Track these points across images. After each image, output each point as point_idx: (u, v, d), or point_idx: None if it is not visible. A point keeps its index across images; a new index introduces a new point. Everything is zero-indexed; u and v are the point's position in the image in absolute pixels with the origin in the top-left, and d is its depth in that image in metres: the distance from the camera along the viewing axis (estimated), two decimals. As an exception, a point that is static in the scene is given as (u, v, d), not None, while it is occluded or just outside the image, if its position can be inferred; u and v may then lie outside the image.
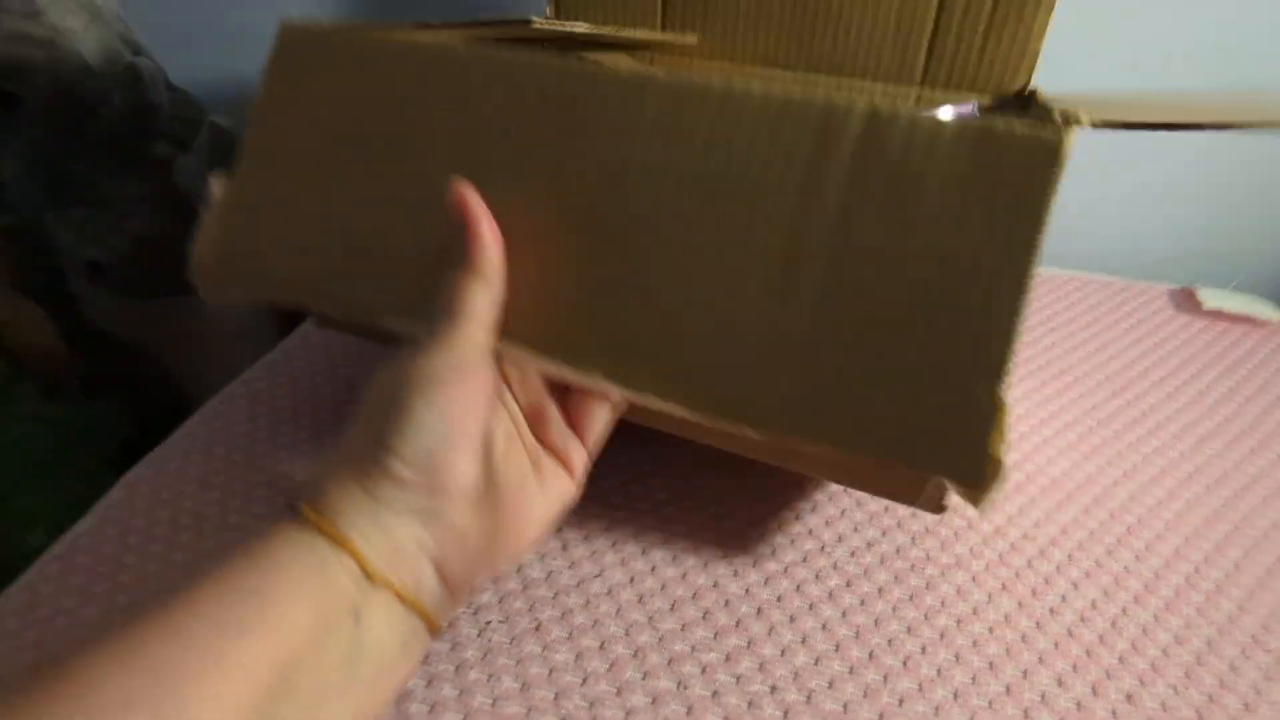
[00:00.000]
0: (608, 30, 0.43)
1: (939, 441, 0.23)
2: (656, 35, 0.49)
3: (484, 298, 0.27)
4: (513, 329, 0.27)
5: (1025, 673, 0.31)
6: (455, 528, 0.26)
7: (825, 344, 0.25)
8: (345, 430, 0.26)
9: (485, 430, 0.26)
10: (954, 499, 0.35)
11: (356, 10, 0.77)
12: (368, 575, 0.24)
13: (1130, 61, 0.63)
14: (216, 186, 0.32)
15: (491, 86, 0.30)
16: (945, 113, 0.43)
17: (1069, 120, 0.24)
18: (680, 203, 0.27)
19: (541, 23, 0.33)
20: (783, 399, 0.25)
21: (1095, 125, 0.25)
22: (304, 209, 0.31)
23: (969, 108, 0.44)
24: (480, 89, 0.30)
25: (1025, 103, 0.48)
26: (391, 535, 0.24)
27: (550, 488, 0.29)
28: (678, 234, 0.26)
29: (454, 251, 0.27)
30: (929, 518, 0.38)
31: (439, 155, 0.30)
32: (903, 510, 0.38)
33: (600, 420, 0.30)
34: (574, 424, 0.30)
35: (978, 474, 0.22)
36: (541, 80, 0.29)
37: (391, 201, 0.30)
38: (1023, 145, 0.23)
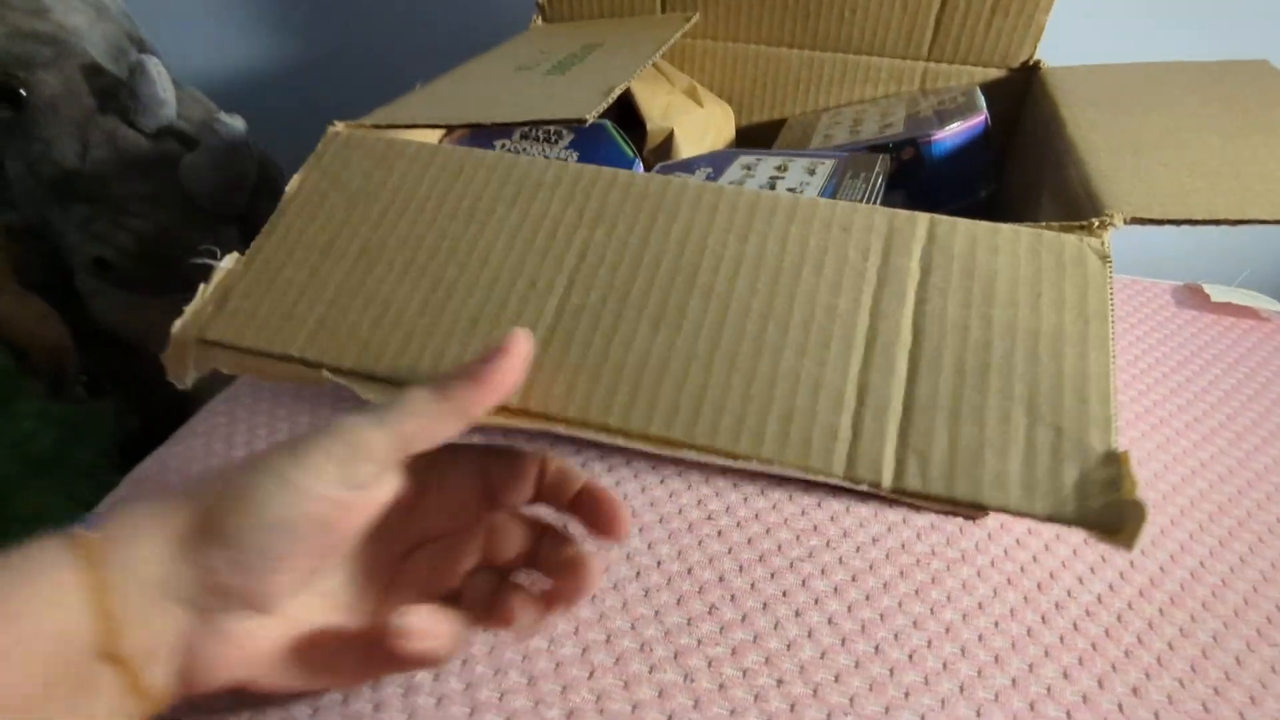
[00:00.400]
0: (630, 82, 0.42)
1: (1071, 495, 0.23)
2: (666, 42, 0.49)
3: (436, 429, 0.23)
4: (572, 406, 0.26)
5: (1031, 666, 0.31)
6: (227, 635, 0.22)
7: (925, 406, 0.25)
8: (214, 473, 0.22)
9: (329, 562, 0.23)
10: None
11: (352, 23, 0.77)
12: (111, 653, 0.19)
13: (1131, 28, 0.63)
14: (226, 263, 0.31)
15: (558, 191, 0.30)
16: (952, 130, 0.43)
17: (1105, 224, 0.27)
18: (757, 287, 0.27)
19: (591, 117, 0.34)
20: (898, 458, 0.24)
21: (1128, 223, 0.27)
22: (329, 289, 0.30)
23: (979, 120, 0.44)
24: (548, 192, 0.31)
25: (1029, 74, 0.48)
26: (157, 623, 0.20)
27: (342, 669, 0.25)
28: (758, 309, 0.27)
29: (459, 371, 0.24)
30: (933, 514, 0.38)
31: (499, 246, 0.30)
32: (909, 505, 0.38)
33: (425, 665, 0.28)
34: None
35: (1119, 521, 0.22)
36: (610, 187, 0.30)
37: (438, 287, 0.29)
38: (1074, 246, 0.27)
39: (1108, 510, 0.22)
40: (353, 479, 0.21)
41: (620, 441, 0.26)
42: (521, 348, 0.24)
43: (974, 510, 0.24)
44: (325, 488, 0.21)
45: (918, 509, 0.38)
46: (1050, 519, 0.23)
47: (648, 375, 0.26)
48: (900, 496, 0.24)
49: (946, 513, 0.24)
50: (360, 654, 0.25)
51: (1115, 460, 0.23)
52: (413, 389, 0.23)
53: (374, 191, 0.32)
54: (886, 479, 0.24)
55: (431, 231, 0.30)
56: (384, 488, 0.23)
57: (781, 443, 0.25)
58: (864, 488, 0.24)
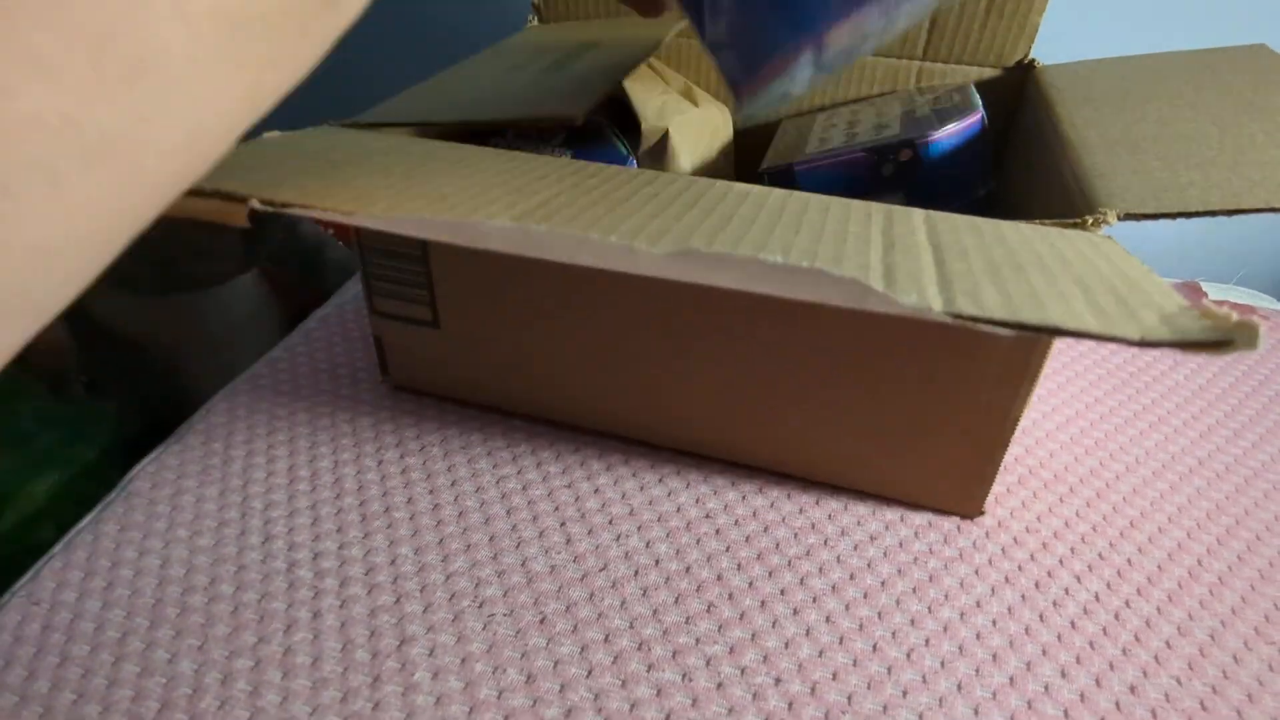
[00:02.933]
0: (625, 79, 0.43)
1: (1159, 325, 0.20)
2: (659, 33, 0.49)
3: None
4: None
5: (1029, 664, 0.31)
6: None
7: (962, 275, 0.22)
8: None
9: None
10: (990, 501, 0.35)
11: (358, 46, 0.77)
12: None
13: (1127, 26, 0.63)
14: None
15: (552, 169, 0.30)
16: (948, 130, 0.43)
17: (1098, 222, 0.27)
18: (759, 216, 0.26)
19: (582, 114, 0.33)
20: (945, 296, 0.21)
21: (1122, 219, 0.27)
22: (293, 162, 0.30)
23: (975, 119, 0.44)
24: (542, 166, 0.30)
25: (1024, 73, 0.48)
26: None
27: None
28: (762, 224, 0.25)
29: None
30: (932, 511, 0.38)
31: (489, 169, 0.29)
32: (905, 503, 0.38)
33: None
34: None
35: (1225, 334, 0.19)
36: (604, 168, 0.30)
37: (420, 173, 0.28)
38: (1076, 232, 0.26)
39: (1209, 330, 0.19)
40: None
41: (625, 265, 0.22)
42: None
43: (1047, 334, 0.20)
44: None
45: (916, 514, 0.38)
46: (1143, 343, 0.19)
47: (642, 239, 0.23)
48: (957, 321, 0.20)
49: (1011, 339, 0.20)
50: None
51: (1197, 308, 0.20)
52: None
53: (359, 159, 0.31)
54: (936, 304, 0.20)
55: (419, 166, 0.29)
56: None
57: (809, 258, 0.21)
58: (909, 306, 0.20)
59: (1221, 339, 0.18)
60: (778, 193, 0.28)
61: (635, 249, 0.21)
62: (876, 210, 0.27)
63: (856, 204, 0.28)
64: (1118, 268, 0.23)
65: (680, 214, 0.25)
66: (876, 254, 0.23)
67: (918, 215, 0.27)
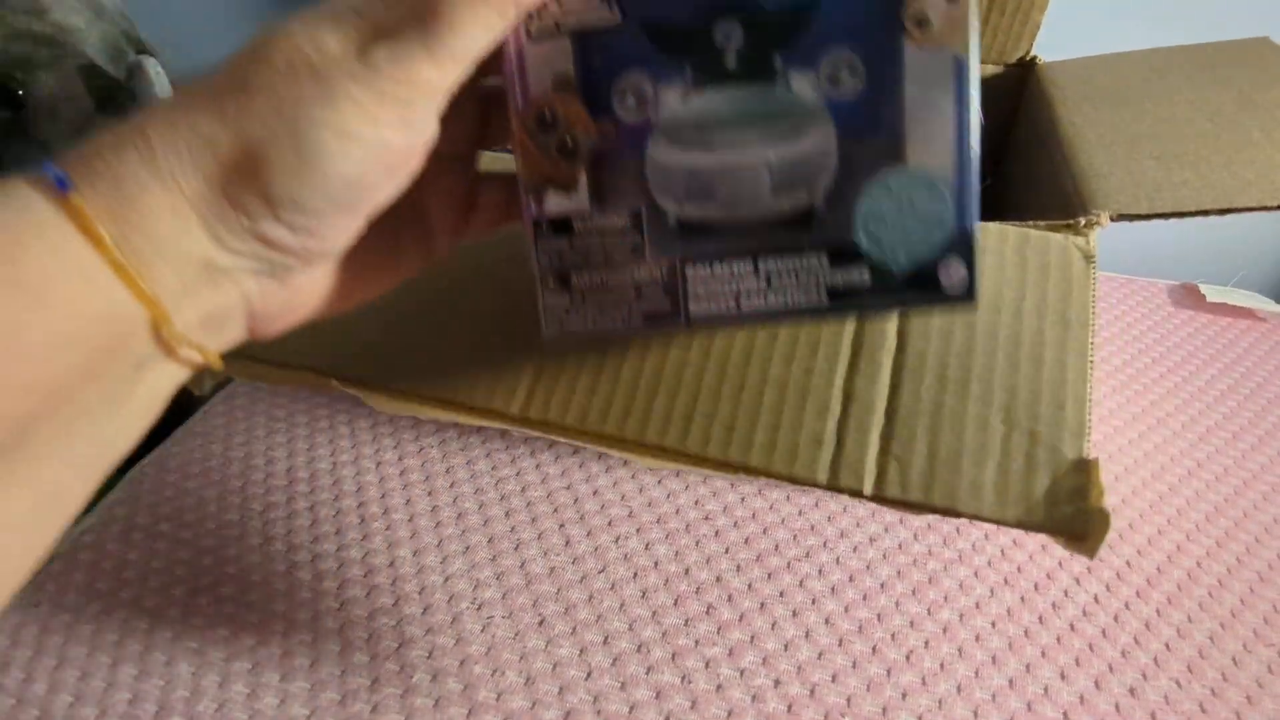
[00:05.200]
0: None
1: (1041, 502, 0.24)
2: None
3: (489, 36, 0.18)
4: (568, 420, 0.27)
5: (1028, 666, 0.31)
6: (293, 287, 0.19)
7: (907, 415, 0.25)
8: (214, 104, 0.17)
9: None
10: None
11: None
12: (166, 338, 0.17)
13: (1128, 24, 0.63)
14: None
15: None
16: None
17: (1090, 224, 0.27)
18: (737, 340, 0.28)
19: None
20: (879, 465, 0.25)
21: (1115, 219, 0.27)
22: None
23: None
24: None
25: (1026, 70, 0.48)
26: (216, 293, 0.18)
27: (403, 262, 0.23)
28: (742, 343, 0.27)
29: None
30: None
31: (500, 256, 0.30)
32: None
33: (488, 229, 0.24)
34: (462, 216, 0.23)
35: (1084, 528, 0.23)
36: None
37: (441, 295, 0.30)
38: (1060, 246, 0.27)
39: (1075, 517, 0.23)
40: (416, 123, 0.18)
41: (616, 452, 0.27)
42: None
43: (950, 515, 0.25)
44: (394, 135, 0.17)
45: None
46: (1020, 525, 0.24)
47: (644, 383, 0.27)
48: (881, 503, 0.25)
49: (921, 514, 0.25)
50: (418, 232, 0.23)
51: (1085, 468, 0.24)
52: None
53: None
54: (867, 486, 0.25)
55: None
56: (434, 124, 0.19)
57: (769, 451, 0.26)
58: (846, 494, 0.25)
59: (1075, 534, 0.23)
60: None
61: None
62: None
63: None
64: (1060, 356, 0.25)
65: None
66: (841, 375, 0.26)
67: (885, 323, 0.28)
